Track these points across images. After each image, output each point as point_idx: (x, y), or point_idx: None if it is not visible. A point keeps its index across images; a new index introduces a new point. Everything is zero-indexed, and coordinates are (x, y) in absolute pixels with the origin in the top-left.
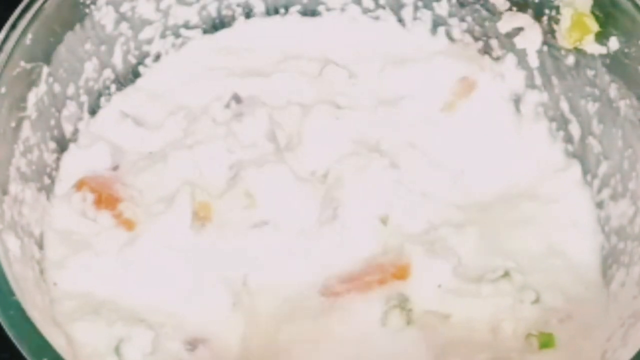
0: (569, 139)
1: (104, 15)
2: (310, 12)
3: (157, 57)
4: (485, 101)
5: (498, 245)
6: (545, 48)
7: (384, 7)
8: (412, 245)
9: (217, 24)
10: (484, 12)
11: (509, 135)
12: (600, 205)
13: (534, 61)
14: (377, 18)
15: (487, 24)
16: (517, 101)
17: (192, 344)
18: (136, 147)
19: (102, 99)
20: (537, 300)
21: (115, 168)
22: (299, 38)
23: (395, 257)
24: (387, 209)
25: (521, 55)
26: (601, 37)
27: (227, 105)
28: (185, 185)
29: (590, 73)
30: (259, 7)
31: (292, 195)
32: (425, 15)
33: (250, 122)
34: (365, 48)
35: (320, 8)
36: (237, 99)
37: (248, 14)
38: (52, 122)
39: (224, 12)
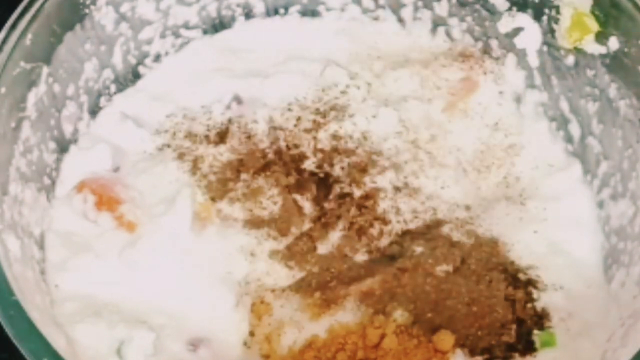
0: (569, 138)
1: (104, 15)
2: (310, 12)
3: (157, 58)
4: (485, 101)
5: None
6: (545, 48)
7: (384, 7)
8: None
9: (217, 25)
10: (484, 12)
11: (510, 135)
12: (600, 205)
13: (534, 61)
14: (377, 18)
15: (487, 24)
16: (517, 101)
17: (194, 345)
18: (137, 148)
19: (102, 99)
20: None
21: (116, 169)
22: (299, 38)
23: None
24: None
25: (521, 55)
26: (601, 37)
27: (228, 106)
28: (186, 187)
29: (590, 73)
30: (259, 7)
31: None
32: (425, 15)
33: (251, 123)
34: (365, 48)
35: (320, 8)
36: (237, 99)
37: (248, 14)
38: (52, 122)
39: (224, 12)
